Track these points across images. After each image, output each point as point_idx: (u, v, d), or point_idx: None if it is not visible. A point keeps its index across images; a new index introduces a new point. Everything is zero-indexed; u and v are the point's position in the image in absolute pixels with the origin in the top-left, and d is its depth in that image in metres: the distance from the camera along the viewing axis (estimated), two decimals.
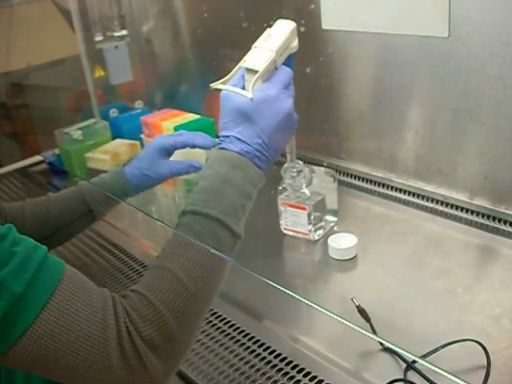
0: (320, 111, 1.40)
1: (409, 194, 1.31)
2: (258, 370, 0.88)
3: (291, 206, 1.17)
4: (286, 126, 0.82)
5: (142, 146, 1.69)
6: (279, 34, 0.84)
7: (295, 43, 0.85)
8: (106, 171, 1.54)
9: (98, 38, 1.81)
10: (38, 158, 1.84)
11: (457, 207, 1.23)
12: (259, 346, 0.93)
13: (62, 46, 1.90)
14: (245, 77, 0.82)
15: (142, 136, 1.72)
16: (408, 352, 0.56)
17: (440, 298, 1.00)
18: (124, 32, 1.85)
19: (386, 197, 1.34)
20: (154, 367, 0.66)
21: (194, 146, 1.10)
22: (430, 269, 1.08)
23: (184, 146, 1.11)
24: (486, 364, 0.83)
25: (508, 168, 1.12)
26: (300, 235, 1.19)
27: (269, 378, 0.87)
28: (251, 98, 0.78)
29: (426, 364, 0.80)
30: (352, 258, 1.12)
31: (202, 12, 1.60)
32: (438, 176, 1.24)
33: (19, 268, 0.63)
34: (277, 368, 0.88)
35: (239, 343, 0.95)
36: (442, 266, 1.08)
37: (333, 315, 0.64)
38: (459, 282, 1.02)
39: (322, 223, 1.20)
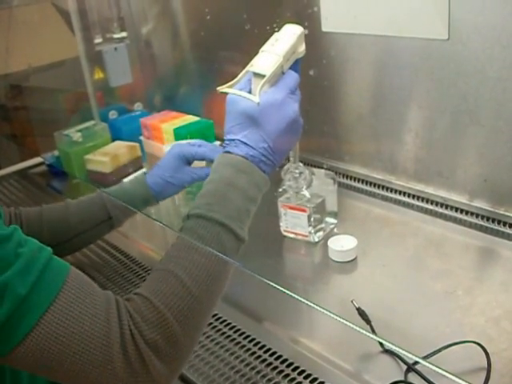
0: (320, 113, 1.40)
1: (408, 196, 1.31)
2: (258, 372, 0.88)
3: (291, 208, 1.17)
4: (291, 131, 0.82)
5: (142, 148, 1.69)
6: (287, 39, 0.84)
7: (302, 48, 0.86)
8: (105, 173, 1.56)
9: (98, 39, 1.81)
10: (37, 159, 1.84)
11: (456, 209, 1.23)
12: (260, 348, 0.93)
13: (61, 48, 1.90)
14: (251, 81, 0.82)
15: (142, 138, 1.72)
16: (410, 353, 0.56)
17: (440, 299, 1.00)
18: (123, 34, 1.85)
19: (386, 199, 1.34)
20: (156, 370, 0.67)
21: (211, 161, 1.10)
22: (430, 271, 1.08)
23: (203, 158, 1.12)
24: (486, 366, 0.83)
25: (507, 170, 1.12)
26: (300, 237, 1.19)
27: (269, 380, 0.87)
28: (258, 103, 0.79)
29: (428, 365, 0.80)
30: (352, 260, 1.12)
31: (202, 14, 1.60)
32: (437, 178, 1.25)
33: (24, 269, 0.63)
34: (277, 370, 0.88)
35: (240, 345, 0.95)
36: (442, 267, 1.08)
37: (334, 316, 0.64)
38: (459, 284, 1.02)
39: (322, 225, 1.20)
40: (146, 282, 0.73)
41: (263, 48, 0.84)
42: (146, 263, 1.22)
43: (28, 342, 0.62)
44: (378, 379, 0.86)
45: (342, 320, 0.68)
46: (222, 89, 0.84)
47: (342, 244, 1.13)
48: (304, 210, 1.16)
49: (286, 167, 1.15)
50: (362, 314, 0.94)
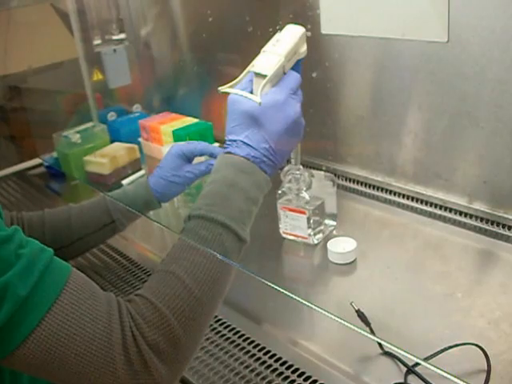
0: (319, 115, 1.40)
1: (408, 199, 1.31)
2: (258, 374, 0.88)
3: (290, 210, 1.17)
4: (293, 132, 0.82)
5: (141, 149, 1.69)
6: (288, 39, 0.84)
7: (304, 49, 0.86)
8: (104, 174, 1.56)
9: (97, 41, 1.81)
10: (35, 161, 1.84)
11: (456, 211, 1.23)
12: (259, 350, 0.93)
13: (60, 50, 1.90)
14: (253, 81, 0.82)
15: (140, 140, 1.73)
16: (411, 354, 0.56)
17: (439, 301, 1.00)
18: (122, 35, 1.85)
19: (385, 201, 1.35)
20: (158, 372, 0.66)
21: (211, 155, 1.11)
22: (429, 273, 1.08)
23: (202, 153, 1.13)
24: (486, 368, 0.83)
25: (507, 172, 1.12)
26: (299, 239, 1.19)
27: (269, 382, 0.86)
28: (259, 103, 0.78)
29: (429, 367, 0.79)
30: (351, 262, 1.12)
31: (204, 16, 1.60)
32: (436, 180, 1.25)
33: (25, 270, 0.63)
34: (277, 372, 0.88)
35: (239, 347, 0.95)
36: (442, 269, 1.08)
37: (334, 317, 0.64)
38: (459, 286, 1.02)
39: (322, 227, 1.20)
40: (147, 283, 0.73)
41: (265, 48, 0.84)
42: (144, 265, 1.22)
43: (29, 343, 0.62)
44: (377, 381, 0.86)
45: (341, 321, 0.68)
46: (224, 89, 0.83)
47: (341, 246, 1.13)
48: (303, 212, 1.16)
49: (285, 169, 1.15)
50: (361, 316, 0.94)
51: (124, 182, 1.54)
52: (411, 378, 0.85)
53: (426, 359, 0.85)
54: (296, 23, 0.85)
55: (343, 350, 0.93)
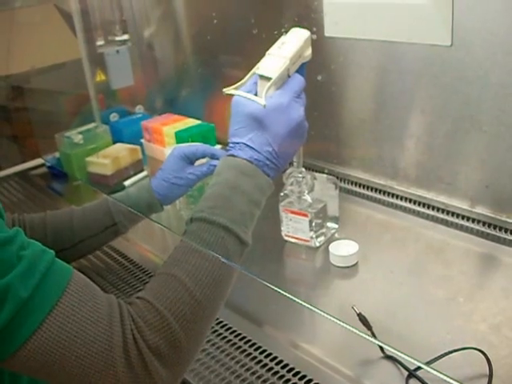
0: (322, 118, 1.40)
1: (410, 202, 1.31)
2: (259, 377, 0.88)
3: (293, 212, 1.17)
4: (296, 135, 0.82)
5: (143, 150, 1.70)
6: (294, 42, 0.84)
7: (309, 52, 0.86)
8: (106, 175, 1.56)
9: (100, 42, 1.81)
10: (37, 161, 1.84)
11: (458, 215, 1.23)
12: (260, 353, 0.93)
13: (63, 50, 1.90)
14: (257, 83, 0.82)
15: (143, 141, 1.73)
16: (413, 358, 0.56)
17: (441, 306, 1.00)
18: (125, 37, 1.85)
19: (387, 204, 1.34)
20: (159, 375, 0.66)
21: (213, 156, 1.12)
22: (431, 277, 1.08)
23: (204, 154, 1.13)
24: (488, 372, 0.83)
25: (509, 176, 1.12)
26: (301, 242, 1.19)
27: None
28: (264, 105, 0.78)
29: (430, 371, 0.79)
30: (353, 265, 1.12)
31: (209, 18, 1.60)
32: (439, 184, 1.25)
33: (26, 272, 0.63)
34: (278, 375, 0.88)
35: (240, 349, 0.94)
36: (443, 273, 1.08)
37: (336, 320, 0.64)
38: (460, 290, 1.02)
39: (324, 230, 1.20)
40: (148, 285, 0.73)
41: (270, 51, 0.84)
42: (146, 266, 1.21)
43: (29, 345, 0.62)
44: None
45: (343, 324, 0.68)
46: (228, 90, 0.83)
47: (343, 249, 1.13)
48: (305, 215, 1.16)
49: (288, 171, 1.15)
50: (362, 319, 0.93)
51: (126, 183, 1.54)
52: (412, 383, 0.85)
53: (427, 363, 0.85)
54: (301, 26, 0.86)
55: (344, 353, 0.93)
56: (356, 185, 1.42)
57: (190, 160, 1.14)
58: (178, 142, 1.56)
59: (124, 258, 1.26)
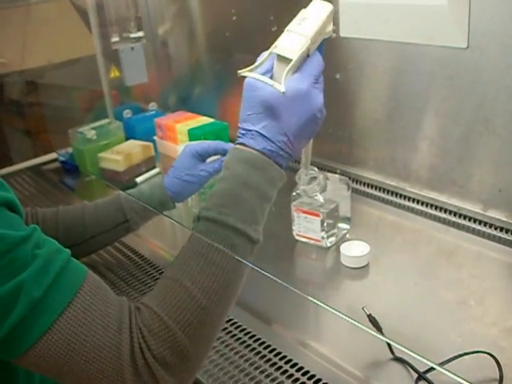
0: (335, 118, 1.40)
1: (422, 204, 1.31)
2: (268, 376, 0.88)
3: (304, 212, 1.17)
4: (313, 123, 0.76)
5: (155, 147, 1.70)
6: (315, 18, 0.76)
7: (330, 28, 0.78)
8: (118, 171, 1.56)
9: (114, 38, 1.82)
10: (50, 156, 1.85)
11: (470, 218, 1.22)
12: (270, 352, 0.93)
13: (77, 46, 1.91)
14: (274, 64, 0.75)
15: (156, 138, 1.73)
16: (425, 358, 0.56)
17: (452, 309, 0.99)
18: (140, 33, 1.86)
19: (399, 206, 1.34)
20: (166, 383, 0.66)
21: (225, 152, 1.11)
22: (442, 280, 1.07)
23: (215, 151, 1.12)
24: (498, 377, 0.82)
25: None
26: (312, 242, 1.19)
27: (278, 383, 0.86)
28: (283, 92, 0.72)
29: (443, 372, 0.79)
30: (364, 267, 1.12)
31: (225, 15, 1.60)
32: (451, 187, 1.24)
33: (40, 271, 0.63)
34: (287, 374, 0.88)
35: (249, 347, 0.94)
36: (455, 277, 1.07)
37: (349, 319, 0.64)
38: (472, 294, 1.02)
39: (335, 230, 1.20)
40: (154, 291, 0.71)
41: (289, 27, 0.75)
42: (156, 262, 1.22)
43: (40, 345, 0.62)
44: None
45: (354, 323, 0.68)
46: (243, 72, 0.75)
47: (354, 250, 1.13)
48: (317, 215, 1.16)
49: (300, 171, 1.14)
50: (372, 320, 0.93)
51: (138, 179, 1.55)
52: None
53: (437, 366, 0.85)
54: None
55: (353, 353, 0.93)
56: (368, 186, 1.41)
57: (202, 157, 1.13)
58: (190, 140, 1.56)
59: (135, 253, 1.26)
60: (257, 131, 0.73)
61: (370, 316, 0.94)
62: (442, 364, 0.85)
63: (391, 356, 0.90)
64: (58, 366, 0.64)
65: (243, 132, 0.75)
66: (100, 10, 1.80)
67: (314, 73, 0.75)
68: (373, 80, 1.33)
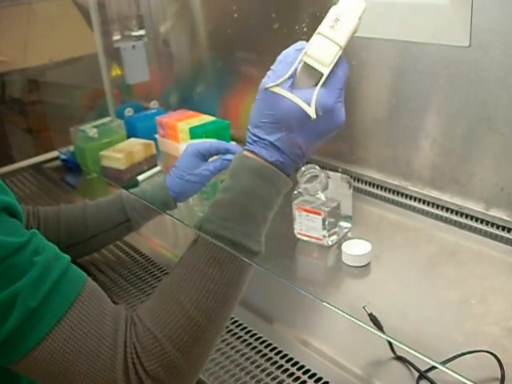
0: None
1: (424, 203, 1.31)
2: (269, 375, 0.88)
3: (306, 210, 1.17)
4: (331, 136, 0.73)
5: (157, 146, 1.70)
6: (349, 20, 0.70)
7: (358, 27, 0.72)
8: (119, 170, 1.56)
9: (116, 37, 1.82)
10: (51, 154, 1.84)
11: (472, 217, 1.22)
12: (271, 350, 0.93)
13: (79, 44, 1.91)
14: (301, 70, 0.69)
15: (157, 136, 1.73)
16: (427, 357, 0.56)
17: (454, 308, 0.99)
18: (142, 32, 1.86)
19: (401, 205, 1.34)
20: None
21: (226, 151, 1.10)
22: (443, 278, 1.07)
23: (217, 151, 1.12)
24: (499, 376, 0.82)
25: None
26: (314, 240, 1.19)
27: (279, 382, 0.86)
28: (313, 119, 0.67)
29: (445, 371, 0.79)
30: (365, 265, 1.12)
31: (227, 12, 1.59)
32: (453, 185, 1.24)
33: (38, 280, 0.62)
34: (288, 373, 0.88)
35: (250, 346, 0.94)
36: (456, 276, 1.07)
37: (351, 318, 0.64)
38: (473, 293, 1.02)
39: (336, 229, 1.19)
40: (151, 304, 0.70)
41: (321, 29, 0.69)
42: (157, 261, 1.22)
43: (34, 354, 0.62)
44: None
45: (356, 321, 0.68)
46: (272, 87, 0.68)
47: (355, 248, 1.12)
48: (319, 214, 1.15)
49: (302, 169, 1.15)
50: (373, 319, 0.93)
51: (139, 177, 1.55)
52: None
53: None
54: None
55: (355, 352, 0.92)
56: (370, 185, 1.41)
57: (204, 157, 1.13)
58: (192, 138, 1.56)
59: (136, 252, 1.26)
60: (271, 142, 0.70)
61: (370, 315, 0.93)
62: (443, 363, 0.85)
63: (392, 355, 0.90)
64: (52, 374, 0.64)
65: (255, 139, 0.71)
66: (101, 8, 1.80)
67: (340, 86, 0.70)
68: (374, 78, 1.32)
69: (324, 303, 0.79)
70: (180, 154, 1.16)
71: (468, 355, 0.86)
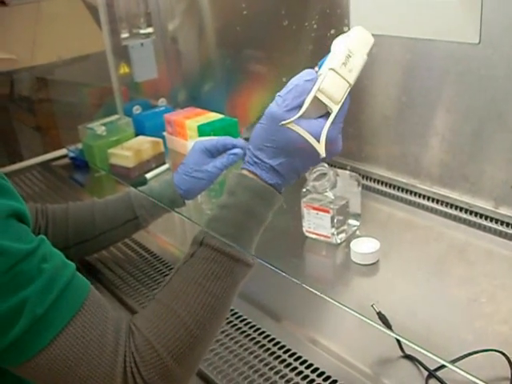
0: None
1: (433, 201, 1.30)
2: (277, 373, 0.87)
3: (314, 208, 1.16)
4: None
5: (165, 143, 1.70)
6: (360, 55, 0.74)
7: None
8: (127, 167, 1.56)
9: (124, 34, 1.82)
10: (60, 152, 1.85)
11: (481, 215, 1.21)
12: (279, 348, 0.93)
13: (87, 42, 1.91)
14: (308, 98, 0.72)
15: (165, 134, 1.73)
16: (436, 356, 0.55)
17: (463, 306, 0.99)
18: (150, 29, 1.86)
19: (410, 203, 1.33)
20: None
21: (234, 146, 1.10)
22: (452, 277, 1.06)
23: (224, 147, 1.11)
24: (509, 375, 0.82)
25: None
26: (322, 238, 1.19)
27: (287, 380, 0.86)
28: (323, 157, 0.71)
29: (454, 369, 0.78)
30: (374, 263, 1.11)
31: (236, 9, 1.59)
32: (463, 183, 1.23)
33: (45, 288, 0.63)
34: (296, 371, 0.87)
35: (259, 344, 0.94)
36: (466, 274, 1.07)
37: (360, 316, 0.63)
38: (483, 292, 1.01)
39: (345, 227, 1.19)
40: (148, 313, 0.72)
41: (334, 65, 0.72)
42: (165, 258, 1.22)
43: (37, 359, 0.63)
44: None
45: (364, 319, 0.68)
46: (286, 123, 0.71)
47: (364, 246, 1.12)
48: (327, 211, 1.15)
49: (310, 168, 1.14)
50: (382, 318, 0.93)
51: (147, 175, 1.55)
52: (432, 383, 0.84)
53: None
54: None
55: (363, 351, 0.92)
56: (378, 182, 1.41)
57: (211, 153, 1.12)
58: (200, 136, 1.56)
59: (144, 249, 1.26)
60: (272, 166, 0.74)
61: (379, 313, 0.93)
62: (452, 362, 0.84)
63: (401, 353, 0.90)
64: (53, 379, 0.65)
65: (256, 161, 0.75)
66: (110, 6, 1.80)
67: (343, 119, 0.75)
68: (384, 76, 1.32)
69: (332, 301, 0.78)
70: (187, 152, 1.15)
71: (477, 354, 0.86)
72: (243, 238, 0.76)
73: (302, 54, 1.35)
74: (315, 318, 1.02)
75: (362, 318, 0.67)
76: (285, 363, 0.89)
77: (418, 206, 1.32)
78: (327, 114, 0.73)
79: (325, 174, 1.14)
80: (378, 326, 0.71)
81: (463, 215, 1.24)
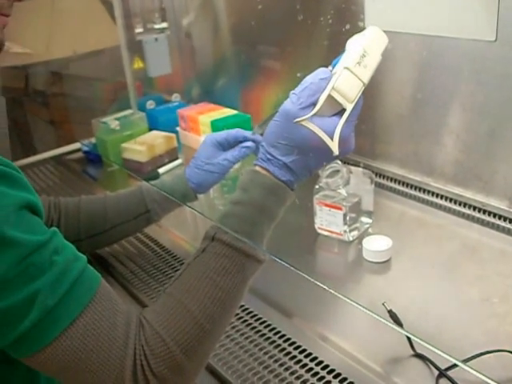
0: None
1: (446, 200, 1.29)
2: (287, 369, 0.87)
3: (327, 205, 1.16)
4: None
5: (178, 138, 1.70)
6: (375, 58, 0.74)
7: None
8: (141, 162, 1.57)
9: (139, 29, 1.83)
10: (73, 146, 1.86)
11: (495, 215, 1.21)
12: (290, 345, 0.92)
13: (102, 37, 1.91)
14: (322, 96, 0.72)
15: (178, 129, 1.73)
16: (448, 355, 0.55)
17: (475, 306, 0.98)
18: (164, 25, 1.86)
19: (423, 201, 1.33)
20: None
21: (245, 139, 1.09)
22: (465, 276, 1.06)
23: (236, 140, 1.10)
24: None
25: None
26: (334, 235, 1.18)
27: (298, 377, 0.86)
28: (336, 155, 0.71)
29: (466, 369, 0.77)
30: (386, 261, 1.11)
31: (251, 4, 1.58)
32: (476, 182, 1.22)
33: (57, 280, 0.63)
34: (307, 367, 0.87)
35: (269, 340, 0.94)
36: (478, 273, 1.06)
37: (372, 314, 0.63)
38: (495, 291, 1.00)
39: (357, 224, 1.19)
40: (158, 307, 0.72)
41: (349, 64, 0.72)
42: (177, 253, 1.22)
43: (47, 351, 0.64)
44: (408, 383, 0.84)
45: (375, 316, 0.67)
46: (301, 121, 0.71)
47: (376, 244, 1.12)
48: (340, 209, 1.15)
49: None
50: (393, 316, 0.92)
51: (160, 170, 1.55)
52: (443, 382, 0.83)
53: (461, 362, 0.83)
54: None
55: (374, 349, 0.92)
56: (391, 180, 1.40)
57: (223, 146, 1.12)
58: (213, 131, 1.56)
59: (156, 244, 1.26)
60: (285, 163, 0.75)
61: (390, 312, 0.92)
62: (464, 362, 0.84)
63: (412, 352, 0.89)
64: (63, 370, 0.65)
65: (269, 157, 0.75)
66: (124, 0, 1.81)
67: (355, 118, 0.75)
68: (398, 73, 1.31)
69: (344, 298, 0.78)
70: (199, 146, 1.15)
71: (489, 354, 0.85)
72: (255, 234, 0.76)
73: (316, 50, 1.34)
74: (326, 315, 1.01)
75: (374, 315, 0.66)
76: (295, 360, 0.89)
77: (431, 204, 1.31)
78: (341, 113, 0.73)
79: (338, 171, 1.13)
80: (389, 324, 0.71)
81: (476, 214, 1.24)
